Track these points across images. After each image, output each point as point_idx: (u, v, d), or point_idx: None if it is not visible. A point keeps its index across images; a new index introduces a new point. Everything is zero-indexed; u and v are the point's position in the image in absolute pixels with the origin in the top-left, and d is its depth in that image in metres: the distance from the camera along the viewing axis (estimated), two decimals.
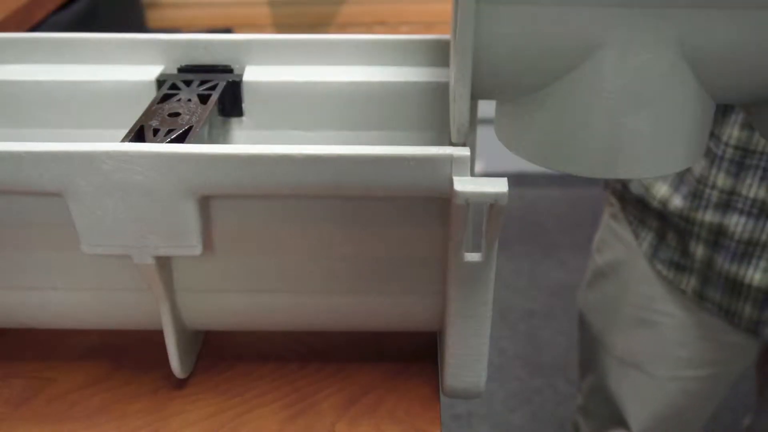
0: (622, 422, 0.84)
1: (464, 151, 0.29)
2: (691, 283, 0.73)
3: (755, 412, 0.92)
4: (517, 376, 1.43)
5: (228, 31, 1.22)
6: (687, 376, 0.79)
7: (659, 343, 0.78)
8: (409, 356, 0.39)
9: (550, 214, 1.96)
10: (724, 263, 0.69)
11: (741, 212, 0.67)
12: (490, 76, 0.30)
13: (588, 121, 0.31)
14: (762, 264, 0.68)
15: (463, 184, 0.28)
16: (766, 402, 0.88)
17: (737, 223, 0.67)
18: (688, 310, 0.76)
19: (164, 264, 0.33)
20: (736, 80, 0.31)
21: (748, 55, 0.30)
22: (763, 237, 0.67)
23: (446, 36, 0.41)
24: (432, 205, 0.32)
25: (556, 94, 0.31)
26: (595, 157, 0.32)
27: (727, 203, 0.67)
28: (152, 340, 0.37)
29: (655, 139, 0.32)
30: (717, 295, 0.72)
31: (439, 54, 0.42)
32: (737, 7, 0.28)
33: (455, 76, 0.30)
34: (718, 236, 0.69)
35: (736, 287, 0.70)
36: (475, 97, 0.30)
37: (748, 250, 0.68)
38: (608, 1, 0.29)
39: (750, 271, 0.68)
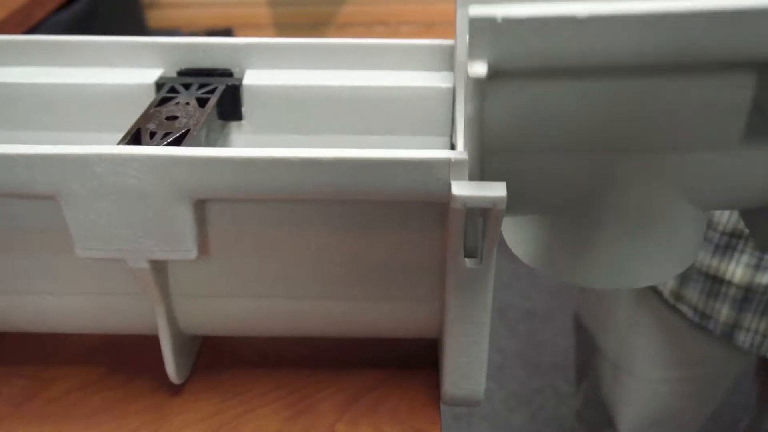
0: (612, 426, 0.84)
1: (462, 155, 0.28)
2: (668, 283, 0.73)
3: (754, 415, 0.92)
4: (517, 377, 1.43)
5: (228, 31, 1.21)
6: (679, 377, 0.79)
7: (649, 345, 0.78)
8: (409, 357, 0.39)
9: None
10: (705, 257, 0.69)
11: None
12: None
13: (593, 242, 0.33)
14: (744, 258, 0.67)
15: (461, 188, 0.28)
16: (764, 407, 0.88)
17: (722, 213, 0.67)
18: (668, 314, 0.75)
19: (159, 268, 0.33)
20: (728, 200, 0.34)
21: (739, 184, 0.32)
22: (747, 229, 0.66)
23: (448, 41, 0.42)
24: (431, 210, 0.31)
25: (562, 221, 0.33)
26: (600, 273, 0.34)
27: None
28: (152, 340, 0.37)
29: (656, 255, 0.34)
30: (694, 295, 0.71)
31: (440, 58, 0.42)
32: (726, 149, 0.30)
33: None
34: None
35: (715, 285, 0.69)
36: None
37: (731, 243, 0.67)
38: (608, 147, 0.30)
39: (732, 266, 0.68)
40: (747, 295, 0.68)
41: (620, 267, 0.34)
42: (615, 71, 0.27)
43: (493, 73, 0.26)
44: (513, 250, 0.37)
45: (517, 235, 0.36)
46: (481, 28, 0.25)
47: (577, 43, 0.25)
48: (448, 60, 0.42)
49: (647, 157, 0.30)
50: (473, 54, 0.26)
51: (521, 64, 0.26)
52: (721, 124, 0.29)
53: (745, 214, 0.37)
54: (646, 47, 0.25)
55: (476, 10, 0.25)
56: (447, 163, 0.28)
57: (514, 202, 0.31)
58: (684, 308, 0.72)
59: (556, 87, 0.28)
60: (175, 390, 0.38)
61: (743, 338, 0.70)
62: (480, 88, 0.26)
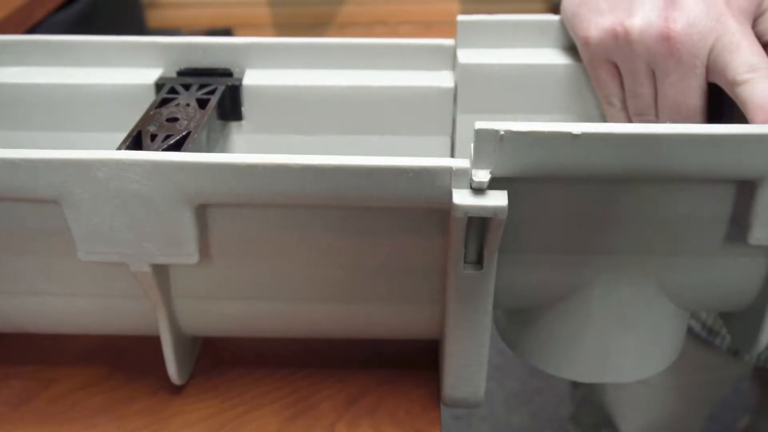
0: (611, 427, 0.84)
1: (464, 163, 0.28)
2: None
3: (755, 414, 0.91)
4: (517, 377, 1.43)
5: (228, 31, 1.21)
6: (684, 383, 0.79)
7: None
8: (409, 357, 0.39)
9: None
10: None
11: None
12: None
13: (578, 338, 0.35)
14: None
15: (462, 197, 0.28)
16: (764, 408, 0.88)
17: None
18: None
19: (161, 271, 0.33)
20: (707, 302, 0.35)
21: (717, 288, 0.34)
22: None
23: (448, 40, 0.42)
24: (432, 215, 0.31)
25: (549, 315, 0.35)
26: (585, 367, 0.36)
27: None
28: (152, 341, 0.37)
29: (639, 352, 0.36)
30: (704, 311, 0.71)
31: (440, 58, 0.42)
32: (705, 255, 0.32)
33: None
34: None
35: None
36: None
37: None
38: (594, 248, 0.32)
39: None
40: None
41: (607, 362, 0.36)
42: (604, 181, 0.30)
43: (493, 179, 0.28)
44: (504, 341, 0.39)
45: (509, 328, 0.39)
46: (486, 139, 0.28)
47: (570, 155, 0.28)
48: (448, 60, 0.42)
49: (631, 258, 0.33)
50: (477, 163, 0.28)
51: (520, 172, 0.29)
52: (701, 233, 0.32)
53: (723, 315, 0.39)
54: (632, 162, 0.28)
55: (482, 124, 0.27)
56: (449, 172, 0.28)
57: (506, 296, 0.34)
58: (692, 322, 0.72)
59: (549, 192, 0.30)
60: (175, 391, 0.38)
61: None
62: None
